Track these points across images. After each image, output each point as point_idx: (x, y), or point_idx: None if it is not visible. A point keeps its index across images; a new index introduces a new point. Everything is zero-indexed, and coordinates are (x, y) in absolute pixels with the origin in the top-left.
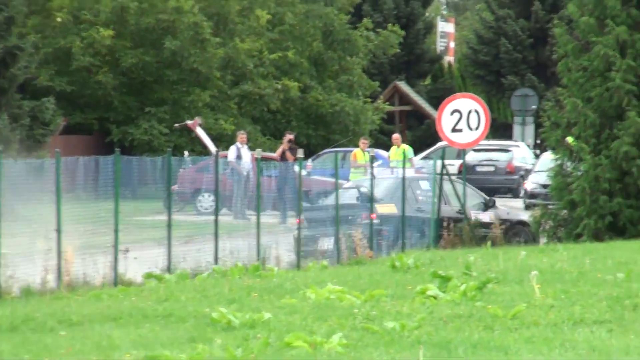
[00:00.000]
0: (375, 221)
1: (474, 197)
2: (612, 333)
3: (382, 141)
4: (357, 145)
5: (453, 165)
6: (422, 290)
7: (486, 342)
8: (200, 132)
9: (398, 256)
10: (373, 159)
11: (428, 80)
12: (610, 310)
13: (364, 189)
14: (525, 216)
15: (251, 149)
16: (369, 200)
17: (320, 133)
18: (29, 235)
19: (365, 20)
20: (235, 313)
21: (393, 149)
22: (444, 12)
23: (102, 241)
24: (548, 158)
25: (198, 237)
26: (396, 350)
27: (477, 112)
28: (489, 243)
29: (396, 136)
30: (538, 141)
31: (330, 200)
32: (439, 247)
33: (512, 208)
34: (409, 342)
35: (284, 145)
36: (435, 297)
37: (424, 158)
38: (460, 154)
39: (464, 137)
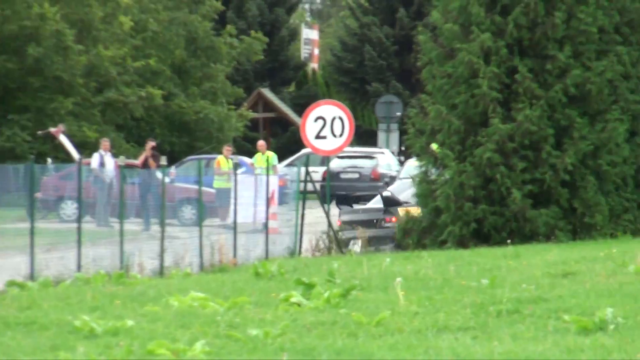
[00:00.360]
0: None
1: None
2: (476, 340)
3: (246, 148)
4: (221, 152)
5: (317, 172)
6: (285, 297)
7: (350, 349)
8: (64, 140)
9: (261, 263)
10: (237, 165)
11: (292, 87)
12: (474, 317)
13: (387, 193)
14: None
15: (115, 156)
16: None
17: (184, 140)
18: None
19: (228, 27)
20: (98, 321)
21: (258, 155)
22: (308, 19)
23: None
24: (412, 165)
25: (61, 245)
26: (259, 358)
27: (341, 119)
28: (352, 250)
29: (261, 143)
30: (403, 148)
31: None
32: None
33: None
34: (272, 349)
35: (146, 152)
36: (299, 305)
37: (288, 165)
38: (325, 160)
39: (328, 144)
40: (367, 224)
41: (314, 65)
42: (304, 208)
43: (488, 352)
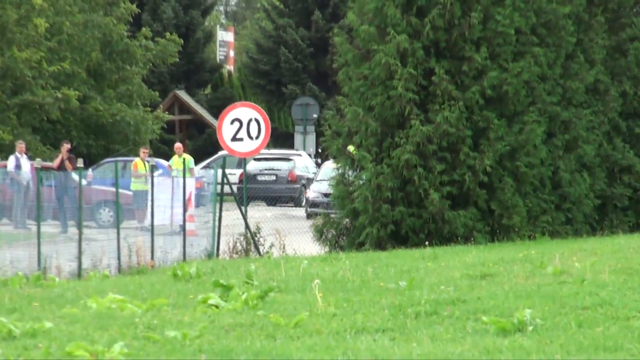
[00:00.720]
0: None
1: None
2: (394, 341)
3: (163, 150)
4: (137, 155)
5: (234, 174)
6: (203, 299)
7: (268, 351)
8: None
9: (179, 265)
10: (153, 168)
11: (208, 90)
12: (392, 319)
13: None
14: None
15: (31, 158)
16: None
17: (101, 143)
18: None
19: (144, 29)
20: (16, 323)
21: (175, 158)
22: (223, 21)
23: None
24: (330, 167)
25: None
26: (178, 359)
27: (257, 121)
28: (270, 252)
29: (178, 145)
30: (319, 150)
31: None
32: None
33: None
34: (190, 350)
35: (62, 155)
36: (216, 306)
37: (205, 167)
38: (241, 163)
39: (245, 146)
40: None
41: (229, 67)
42: (221, 210)
43: (407, 353)
